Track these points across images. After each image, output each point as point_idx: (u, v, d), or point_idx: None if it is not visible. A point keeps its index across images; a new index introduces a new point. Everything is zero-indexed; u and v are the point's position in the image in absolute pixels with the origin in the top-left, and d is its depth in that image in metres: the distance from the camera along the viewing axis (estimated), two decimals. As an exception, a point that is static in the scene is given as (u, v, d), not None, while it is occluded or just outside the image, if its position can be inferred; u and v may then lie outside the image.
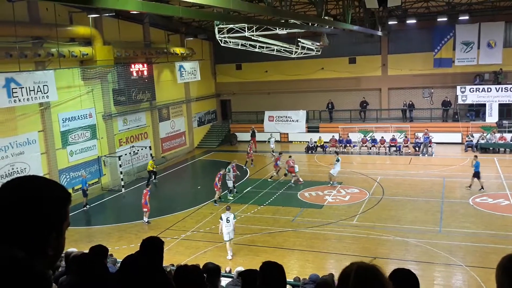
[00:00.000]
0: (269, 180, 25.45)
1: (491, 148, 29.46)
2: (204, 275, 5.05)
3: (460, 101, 32.01)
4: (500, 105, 31.10)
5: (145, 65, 28.68)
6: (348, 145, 31.76)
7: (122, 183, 25.42)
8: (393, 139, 30.93)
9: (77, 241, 16.40)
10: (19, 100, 19.88)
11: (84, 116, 25.29)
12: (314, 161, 29.79)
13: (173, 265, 9.24)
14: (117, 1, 8.82)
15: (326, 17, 19.03)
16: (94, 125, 25.86)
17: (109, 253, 7.09)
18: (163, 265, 5.08)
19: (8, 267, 1.35)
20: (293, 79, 36.52)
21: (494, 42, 31.08)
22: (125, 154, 27.14)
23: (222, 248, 16.18)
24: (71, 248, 6.83)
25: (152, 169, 26.12)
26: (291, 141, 35.83)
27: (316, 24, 21.24)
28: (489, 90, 31.09)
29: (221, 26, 24.90)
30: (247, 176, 26.74)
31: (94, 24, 24.68)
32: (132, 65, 27.61)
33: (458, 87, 31.82)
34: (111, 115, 27.03)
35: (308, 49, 27.20)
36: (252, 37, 25.38)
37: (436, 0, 29.03)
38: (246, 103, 38.21)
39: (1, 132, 20.64)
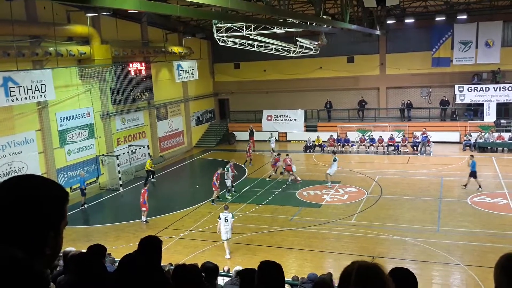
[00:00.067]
0: (267, 179, 25.46)
1: (489, 148, 29.51)
2: (203, 274, 5.04)
3: (458, 101, 32.05)
4: (498, 105, 31.15)
5: (143, 64, 28.66)
6: (346, 144, 31.78)
7: (120, 182, 25.39)
8: (391, 138, 30.96)
9: (75, 240, 16.39)
10: (17, 99, 19.84)
11: (82, 115, 25.25)
12: (312, 160, 29.80)
13: (171, 264, 9.22)
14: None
15: (324, 16, 19.02)
16: (92, 124, 25.82)
17: (107, 252, 7.08)
18: (161, 264, 5.07)
19: (7, 267, 1.35)
20: (291, 78, 36.52)
21: (492, 41, 31.11)
22: (123, 153, 27.11)
23: (220, 247, 16.18)
24: (69, 247, 6.81)
25: (150, 168, 26.10)
26: (289, 140, 35.84)
27: (314, 23, 21.24)
28: (487, 89, 31.13)
29: (219, 25, 24.88)
30: (246, 175, 26.73)
31: (92, 23, 24.62)
32: (130, 64, 27.59)
33: (456, 87, 31.86)
34: (109, 114, 27.00)
35: (306, 48, 27.18)
36: (250, 36, 25.37)
37: (434, -1, 29.08)
38: (244, 102, 38.20)
39: (-2, 131, 20.61)
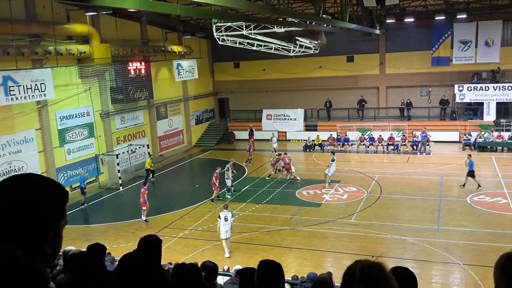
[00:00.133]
0: (267, 178, 25.45)
1: (488, 147, 29.53)
2: (202, 273, 5.04)
3: (458, 100, 32.04)
4: (498, 104, 31.14)
5: (143, 63, 28.65)
6: (346, 143, 31.78)
7: (120, 181, 25.37)
8: (391, 138, 30.95)
9: (74, 240, 16.38)
10: (16, 98, 19.83)
11: (82, 114, 25.24)
12: (312, 160, 29.80)
13: (171, 264, 9.22)
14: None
15: (324, 16, 19.03)
16: (91, 124, 25.81)
17: (107, 251, 7.07)
18: (161, 263, 5.07)
19: (7, 266, 1.35)
20: (291, 77, 36.50)
21: (491, 40, 31.11)
22: (123, 153, 27.10)
23: (220, 247, 16.17)
24: (68, 246, 6.81)
25: (150, 167, 26.09)
26: (289, 140, 35.84)
27: (314, 23, 21.22)
28: (486, 88, 31.12)
29: (219, 24, 24.86)
30: (245, 174, 26.73)
31: (92, 22, 24.59)
32: (130, 63, 27.58)
33: (456, 86, 31.85)
34: (108, 114, 26.98)
35: (306, 47, 27.17)
36: (250, 35, 25.37)
37: (434, -2, 29.08)
38: (244, 101, 38.19)
39: (-2, 130, 20.61)
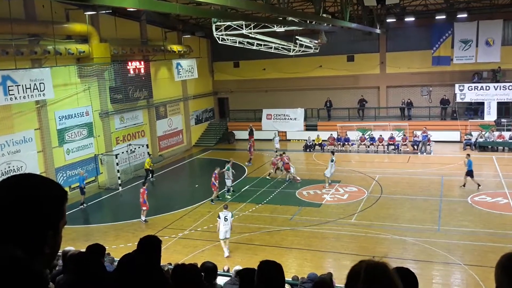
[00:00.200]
0: (267, 177, 25.41)
1: (489, 147, 29.51)
2: (202, 274, 4.99)
3: (458, 99, 32.01)
4: (499, 104, 31.11)
5: (142, 62, 28.62)
6: (346, 143, 31.75)
7: (119, 181, 25.33)
8: (391, 138, 30.93)
9: (74, 240, 16.33)
10: (15, 98, 19.79)
11: (81, 114, 25.20)
12: (312, 160, 29.76)
13: (170, 264, 9.18)
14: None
15: (324, 15, 19.00)
16: (90, 123, 25.77)
17: (106, 252, 7.03)
18: (161, 264, 5.03)
19: (7, 266, 1.35)
20: (291, 77, 36.48)
21: (492, 40, 31.08)
22: (122, 152, 27.05)
23: (220, 247, 16.12)
24: (68, 246, 6.76)
25: (149, 167, 26.06)
26: (289, 139, 35.81)
27: (314, 22, 21.19)
28: (487, 88, 31.10)
29: (218, 23, 24.82)
30: (245, 174, 26.70)
31: (91, 21, 24.56)
32: (129, 63, 27.55)
33: (457, 85, 31.82)
34: (107, 113, 26.94)
35: (306, 47, 27.15)
36: (250, 35, 25.33)
37: (434, -2, 29.06)
38: (243, 101, 38.16)
39: (-3, 130, 20.56)
